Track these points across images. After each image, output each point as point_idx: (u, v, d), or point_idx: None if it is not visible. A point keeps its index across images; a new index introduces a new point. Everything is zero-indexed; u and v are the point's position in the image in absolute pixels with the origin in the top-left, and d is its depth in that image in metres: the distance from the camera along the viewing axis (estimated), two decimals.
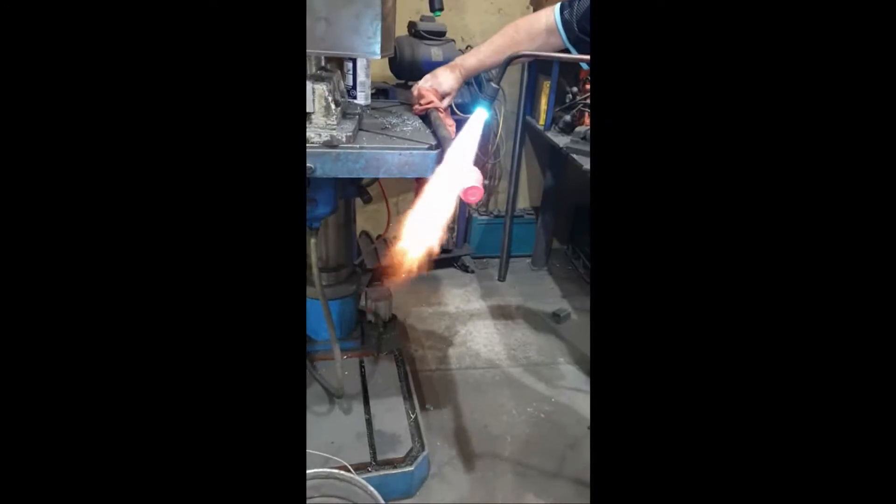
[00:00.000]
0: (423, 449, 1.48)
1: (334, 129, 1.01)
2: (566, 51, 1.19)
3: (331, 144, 1.00)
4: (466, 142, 0.97)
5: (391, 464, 1.42)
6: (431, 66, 1.33)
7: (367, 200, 1.51)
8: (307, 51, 1.00)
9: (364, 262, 2.40)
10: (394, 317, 1.93)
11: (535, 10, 1.28)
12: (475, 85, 1.75)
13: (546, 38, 1.19)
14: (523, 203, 2.83)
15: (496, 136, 2.56)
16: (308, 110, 0.99)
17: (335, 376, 1.52)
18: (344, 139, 1.01)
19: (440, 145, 1.04)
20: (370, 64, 1.27)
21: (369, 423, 1.53)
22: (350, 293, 1.73)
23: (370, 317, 1.88)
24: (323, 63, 1.15)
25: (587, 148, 1.93)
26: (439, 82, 1.25)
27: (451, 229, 2.75)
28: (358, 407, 1.58)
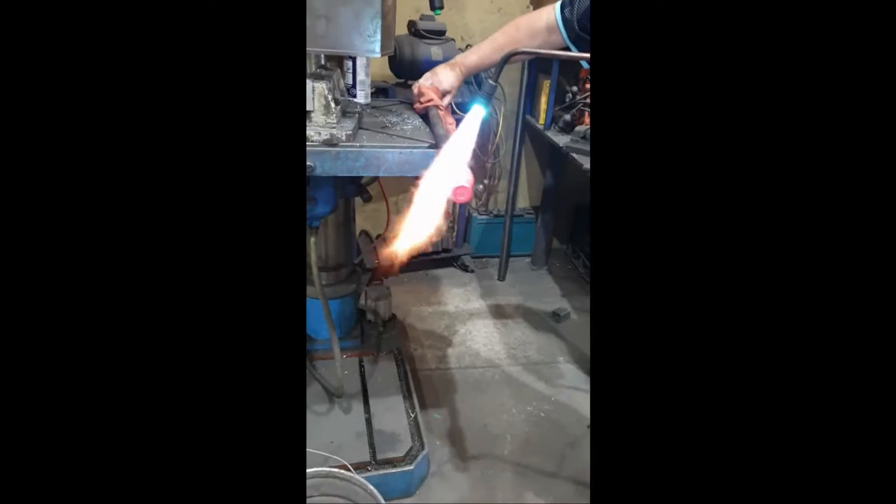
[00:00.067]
0: (422, 448, 1.48)
1: (334, 128, 1.01)
2: (566, 49, 1.19)
3: (330, 143, 1.00)
4: (462, 140, 0.97)
5: (391, 463, 1.42)
6: (431, 65, 1.32)
7: (367, 199, 1.51)
8: (307, 49, 1.00)
9: (363, 261, 2.39)
10: (393, 316, 1.93)
11: (535, 9, 1.27)
12: (475, 84, 1.75)
13: (547, 36, 1.19)
14: (523, 202, 2.83)
15: (496, 135, 2.56)
16: (308, 109, 0.99)
17: (335, 375, 1.52)
18: (344, 138, 1.01)
19: (437, 143, 1.04)
20: (370, 62, 1.27)
21: (369, 422, 1.53)
22: (349, 292, 1.73)
23: (370, 316, 1.87)
24: (322, 61, 1.15)
25: (587, 147, 1.93)
26: (439, 80, 1.25)
27: (450, 229, 2.75)
28: (357, 406, 1.58)
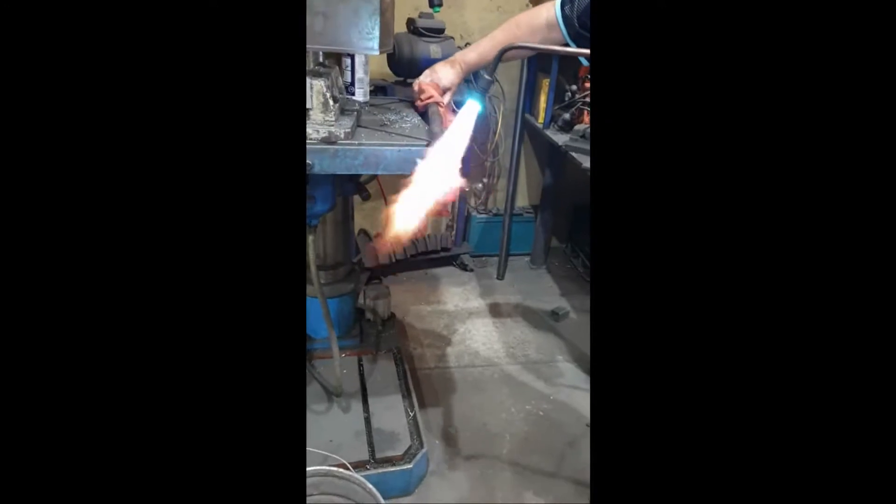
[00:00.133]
0: (421, 447, 1.48)
1: (332, 126, 1.00)
2: (566, 45, 1.18)
3: (329, 141, 1.00)
4: (456, 136, 0.96)
5: (390, 461, 1.42)
6: (430, 63, 1.32)
7: (366, 198, 1.51)
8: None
9: (362, 259, 2.39)
10: (392, 315, 1.93)
11: (534, 7, 1.27)
12: (475, 81, 1.75)
13: (547, 32, 1.19)
14: (522, 201, 2.82)
15: (495, 133, 2.56)
16: (306, 106, 0.99)
17: (334, 374, 1.52)
18: (342, 135, 1.00)
19: (431, 141, 1.04)
20: (368, 60, 1.27)
21: (368, 421, 1.53)
22: (348, 291, 1.72)
23: (369, 315, 1.87)
24: (321, 59, 1.14)
25: (586, 146, 1.93)
26: (439, 77, 1.24)
27: (449, 227, 2.75)
28: (356, 405, 1.58)
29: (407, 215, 0.97)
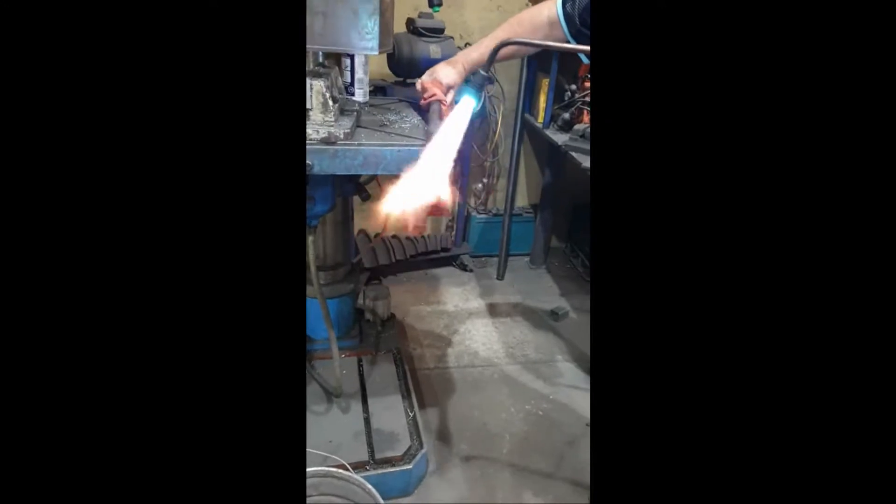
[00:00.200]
0: (421, 447, 1.48)
1: (332, 126, 1.00)
2: (567, 43, 1.18)
3: (328, 141, 0.99)
4: (451, 133, 0.96)
5: (389, 462, 1.42)
6: (430, 63, 1.32)
7: (366, 198, 1.51)
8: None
9: (362, 260, 2.39)
10: (392, 315, 1.93)
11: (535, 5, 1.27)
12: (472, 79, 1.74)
13: (548, 30, 1.19)
14: (522, 201, 2.82)
15: (495, 133, 2.56)
16: (306, 107, 0.99)
17: (333, 375, 1.52)
18: (342, 136, 1.00)
19: (427, 140, 1.04)
20: (368, 60, 1.27)
21: (367, 421, 1.53)
22: (348, 292, 1.72)
23: (368, 315, 1.87)
24: (320, 59, 1.14)
25: (586, 146, 1.93)
26: (440, 77, 1.24)
27: (449, 228, 2.75)
28: (356, 405, 1.58)
29: (399, 201, 0.98)
